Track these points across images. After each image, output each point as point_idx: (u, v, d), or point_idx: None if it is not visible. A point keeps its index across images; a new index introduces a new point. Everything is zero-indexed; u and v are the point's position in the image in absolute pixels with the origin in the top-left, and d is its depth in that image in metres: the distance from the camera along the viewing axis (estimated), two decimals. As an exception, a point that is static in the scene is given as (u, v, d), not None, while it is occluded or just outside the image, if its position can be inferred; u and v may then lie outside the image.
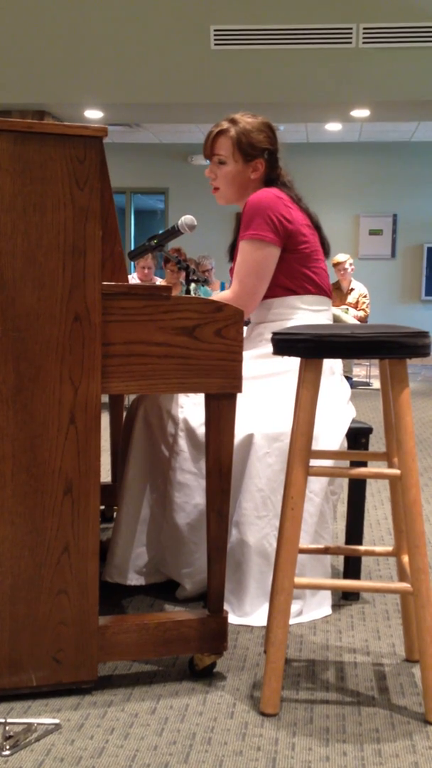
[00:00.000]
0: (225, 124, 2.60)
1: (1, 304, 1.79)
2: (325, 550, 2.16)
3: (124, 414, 2.92)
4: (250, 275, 2.49)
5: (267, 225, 2.46)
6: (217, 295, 2.55)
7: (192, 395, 2.44)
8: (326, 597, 2.47)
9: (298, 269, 2.53)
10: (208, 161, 2.67)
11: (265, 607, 2.33)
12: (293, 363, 2.42)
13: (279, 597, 1.86)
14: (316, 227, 2.61)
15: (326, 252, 2.63)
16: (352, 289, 8.94)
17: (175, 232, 2.69)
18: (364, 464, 2.46)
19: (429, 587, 1.83)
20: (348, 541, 2.62)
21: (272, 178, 2.62)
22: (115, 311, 1.85)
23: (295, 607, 2.37)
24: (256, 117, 2.62)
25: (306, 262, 2.54)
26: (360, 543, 2.61)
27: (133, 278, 7.69)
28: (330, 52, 7.84)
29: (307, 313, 2.55)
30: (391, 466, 2.08)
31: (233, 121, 2.59)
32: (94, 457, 1.87)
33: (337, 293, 8.80)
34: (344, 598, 2.57)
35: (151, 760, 1.67)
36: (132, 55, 7.98)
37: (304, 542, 2.35)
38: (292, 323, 2.52)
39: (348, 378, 8.21)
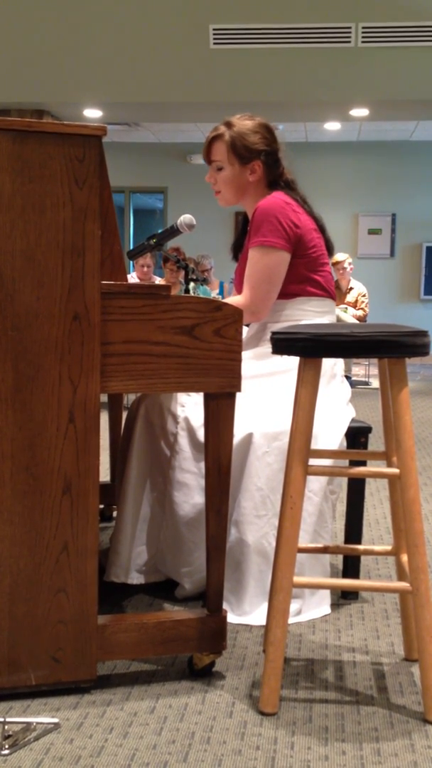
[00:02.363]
0: (221, 128, 2.59)
1: (0, 303, 1.79)
2: (324, 550, 2.16)
3: (123, 413, 2.92)
4: (262, 282, 2.49)
5: (277, 231, 2.46)
6: (229, 301, 2.53)
7: (193, 394, 2.44)
8: (325, 596, 2.47)
9: (305, 273, 2.53)
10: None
11: (264, 606, 2.33)
12: (293, 362, 2.42)
13: (278, 596, 1.86)
14: (321, 230, 2.61)
15: (330, 254, 2.63)
16: (351, 289, 8.94)
17: (174, 231, 2.69)
18: (363, 463, 2.45)
19: (428, 586, 1.83)
20: (347, 541, 2.62)
21: (274, 178, 2.61)
22: (114, 310, 1.84)
23: (294, 606, 2.37)
24: (253, 118, 2.61)
25: (313, 266, 2.54)
26: (359, 542, 2.61)
27: (132, 277, 7.69)
28: (329, 52, 7.84)
29: (313, 315, 2.55)
30: (390, 465, 2.08)
31: (229, 125, 2.59)
32: (93, 457, 1.87)
33: (336, 292, 8.79)
34: (343, 598, 2.57)
35: (150, 759, 1.67)
36: (131, 54, 7.97)
37: (303, 541, 2.35)
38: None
39: (347, 377, 8.21)
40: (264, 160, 2.59)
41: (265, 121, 2.63)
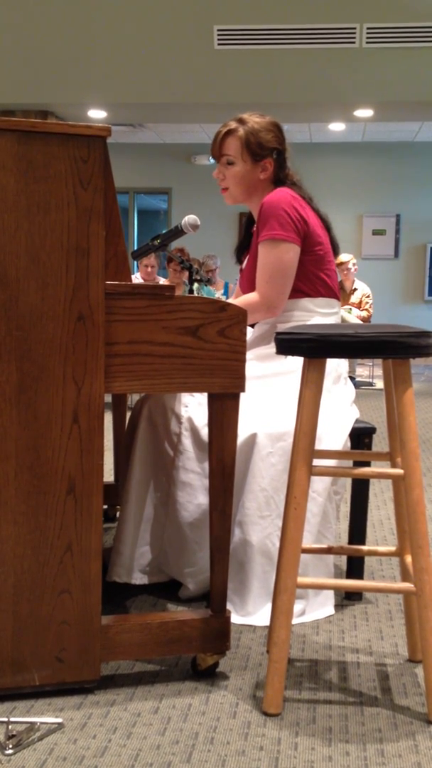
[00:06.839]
0: (233, 124, 2.58)
1: (5, 303, 1.79)
2: (328, 550, 2.16)
3: (127, 413, 2.92)
4: (276, 275, 2.48)
5: (286, 224, 2.46)
6: (244, 298, 2.51)
7: (197, 395, 2.44)
8: (329, 597, 2.47)
9: (312, 272, 2.53)
10: (212, 161, 2.67)
11: (268, 606, 2.33)
12: (297, 363, 2.42)
13: (282, 597, 1.86)
14: (327, 229, 2.61)
15: (335, 253, 2.63)
16: (355, 289, 8.93)
17: (178, 231, 2.69)
18: (367, 464, 2.45)
19: (432, 587, 1.83)
20: (351, 541, 2.62)
21: (281, 178, 2.61)
22: (119, 311, 1.85)
23: (298, 606, 2.37)
24: (264, 117, 2.60)
25: (320, 264, 2.54)
26: (363, 543, 2.61)
27: (136, 278, 7.69)
28: (333, 52, 7.84)
29: (319, 316, 2.54)
30: (394, 466, 2.08)
31: (241, 121, 2.58)
32: (97, 457, 1.87)
33: (340, 293, 8.78)
34: (347, 598, 2.57)
35: (154, 759, 1.67)
36: (135, 55, 7.97)
37: (307, 542, 2.35)
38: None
39: (351, 378, 8.20)
40: (275, 159, 2.58)
41: (275, 120, 2.62)
